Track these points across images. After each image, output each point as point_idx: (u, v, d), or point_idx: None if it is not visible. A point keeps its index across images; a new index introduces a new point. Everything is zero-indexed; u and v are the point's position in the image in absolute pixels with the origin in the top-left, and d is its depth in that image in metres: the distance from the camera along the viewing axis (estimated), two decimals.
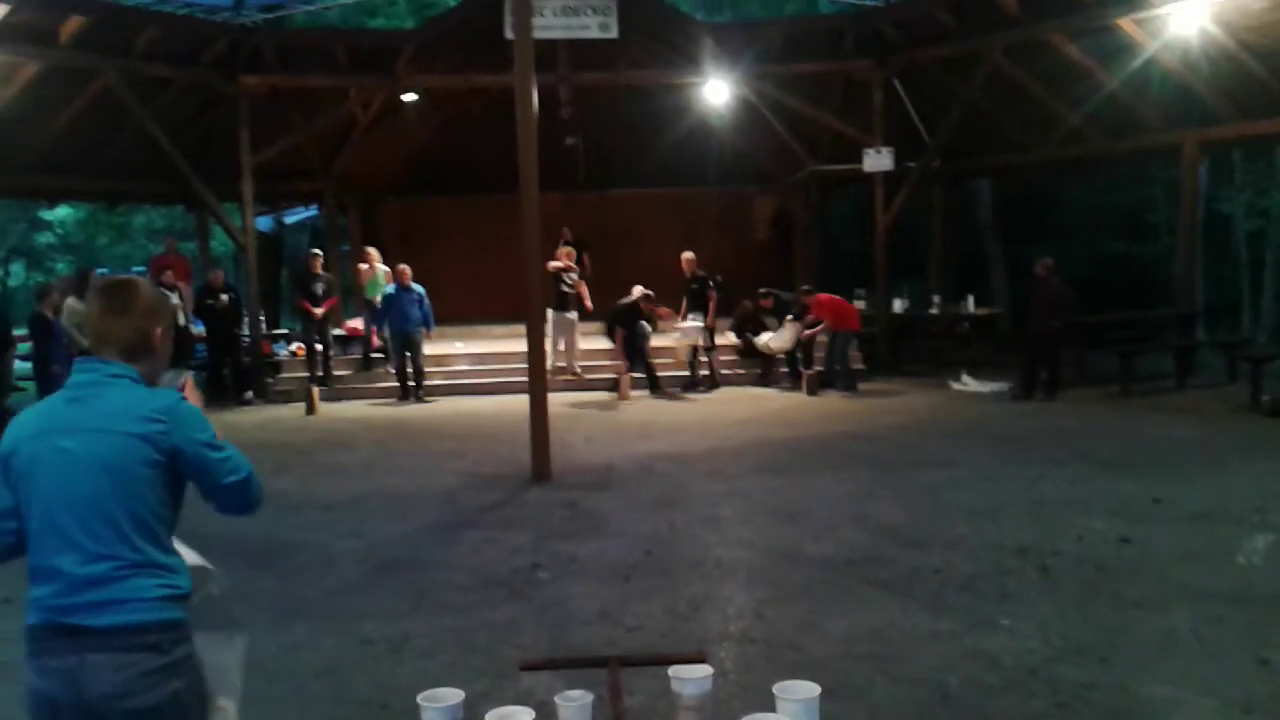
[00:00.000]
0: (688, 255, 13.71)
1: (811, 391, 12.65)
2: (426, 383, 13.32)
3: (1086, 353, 13.22)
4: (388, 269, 14.33)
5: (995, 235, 20.48)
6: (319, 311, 13.69)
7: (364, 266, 14.74)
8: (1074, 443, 9.25)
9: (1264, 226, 20.13)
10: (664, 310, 13.49)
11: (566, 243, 14.54)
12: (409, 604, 5.28)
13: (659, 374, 13.20)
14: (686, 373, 13.50)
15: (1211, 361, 13.50)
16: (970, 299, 15.54)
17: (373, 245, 15.55)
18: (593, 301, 14.02)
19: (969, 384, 12.82)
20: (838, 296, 13.41)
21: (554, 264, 12.99)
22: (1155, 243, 20.90)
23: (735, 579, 5.62)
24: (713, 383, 13.45)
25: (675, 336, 13.53)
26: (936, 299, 15.96)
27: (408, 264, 13.42)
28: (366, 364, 14.41)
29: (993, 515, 6.72)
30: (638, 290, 13.31)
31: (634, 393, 12.92)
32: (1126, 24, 11.93)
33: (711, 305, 13.41)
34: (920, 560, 5.76)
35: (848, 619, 4.86)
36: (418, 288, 13.16)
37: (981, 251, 20.54)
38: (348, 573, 5.91)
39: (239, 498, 2.34)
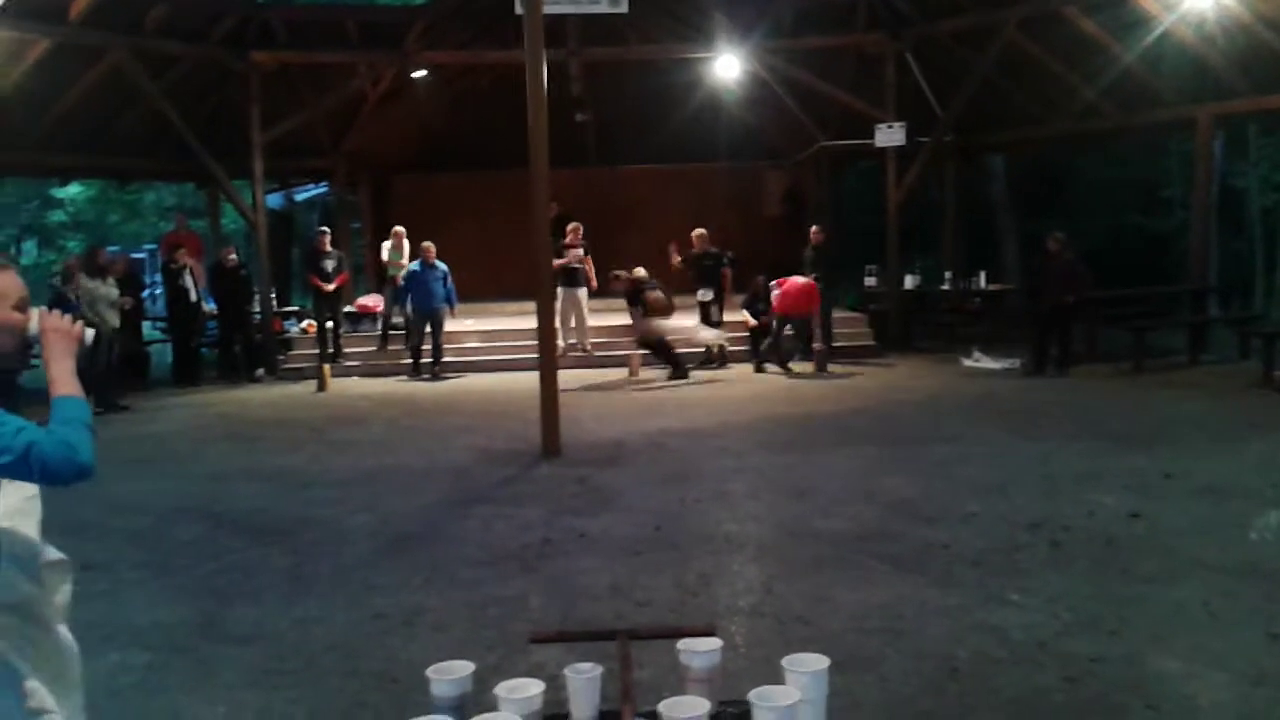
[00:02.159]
0: (699, 231, 13.63)
1: (820, 368, 12.62)
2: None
3: (1099, 328, 13.17)
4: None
5: (1008, 210, 20.38)
6: (329, 288, 13.74)
7: (386, 244, 14.79)
8: (1085, 418, 9.24)
9: (1278, 201, 19.98)
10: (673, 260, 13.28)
11: (555, 216, 13.84)
12: (420, 578, 5.30)
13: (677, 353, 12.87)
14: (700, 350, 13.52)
15: (1224, 337, 13.44)
16: (982, 275, 15.48)
17: (383, 222, 15.59)
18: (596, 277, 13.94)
19: (980, 360, 12.79)
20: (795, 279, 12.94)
21: (559, 262, 12.72)
22: (1169, 217, 20.78)
23: (745, 554, 5.63)
24: (721, 360, 13.43)
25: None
26: (948, 275, 15.92)
27: (418, 240, 13.43)
28: (384, 340, 14.42)
29: (1003, 490, 6.71)
30: (639, 272, 13.27)
31: (642, 370, 12.92)
32: None
33: (726, 282, 13.37)
34: (930, 535, 5.76)
35: (857, 594, 4.87)
36: (441, 265, 13.16)
37: (995, 226, 20.45)
38: (359, 548, 5.94)
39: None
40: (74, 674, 2.46)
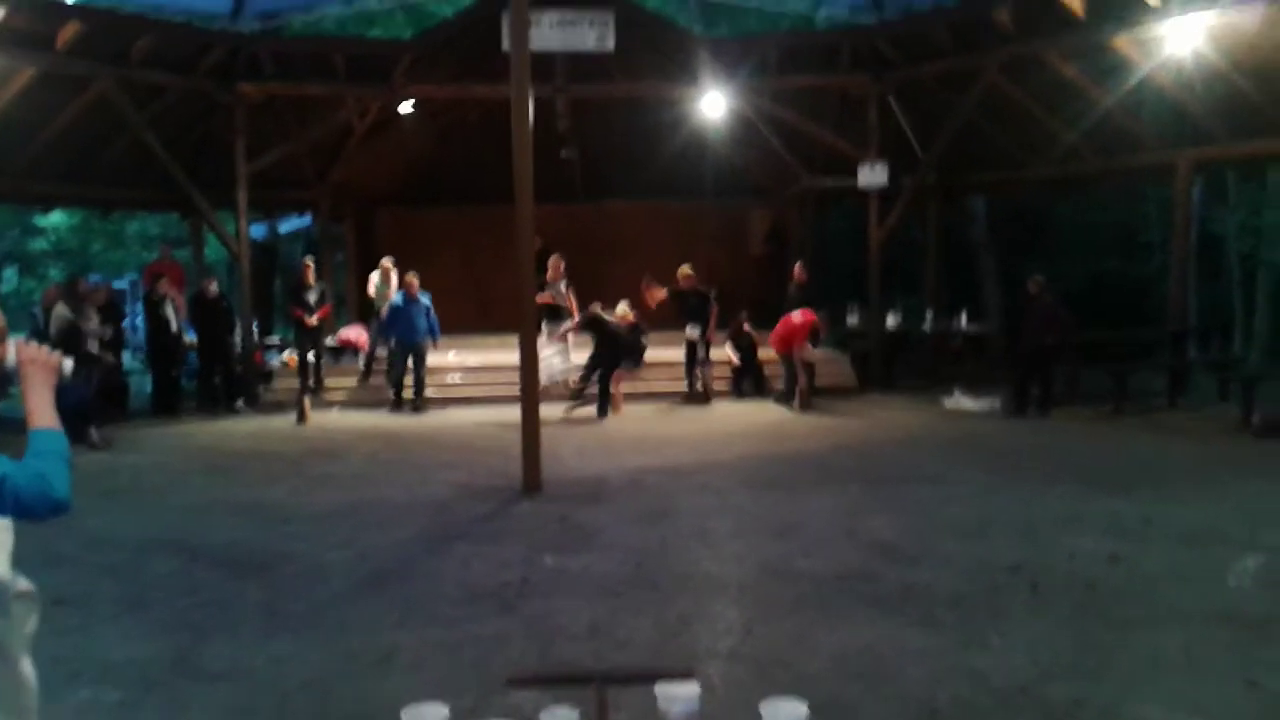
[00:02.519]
0: (685, 270, 13.65)
1: (804, 406, 12.63)
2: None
3: (1079, 370, 13.24)
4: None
5: (989, 251, 20.53)
6: (312, 320, 13.70)
7: (374, 276, 14.79)
8: (1066, 460, 9.27)
9: (1256, 246, 20.19)
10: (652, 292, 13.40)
11: (537, 250, 13.66)
12: (397, 616, 5.25)
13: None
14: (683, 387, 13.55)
15: (1203, 381, 13.53)
16: (963, 315, 15.57)
17: (367, 255, 15.59)
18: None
19: (962, 401, 12.81)
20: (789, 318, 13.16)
21: (542, 298, 12.60)
22: (1148, 261, 20.98)
23: (725, 594, 5.61)
24: (706, 397, 13.45)
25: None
26: (930, 314, 16.00)
27: (403, 273, 13.43)
28: (366, 373, 14.36)
29: (984, 532, 6.71)
30: (621, 308, 13.27)
31: (626, 406, 12.90)
32: (1121, 43, 11.99)
33: (712, 320, 13.40)
34: (911, 577, 5.75)
35: (837, 635, 4.85)
36: (424, 298, 13.14)
37: (975, 267, 20.58)
38: (336, 584, 5.88)
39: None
40: (33, 707, 2.42)
